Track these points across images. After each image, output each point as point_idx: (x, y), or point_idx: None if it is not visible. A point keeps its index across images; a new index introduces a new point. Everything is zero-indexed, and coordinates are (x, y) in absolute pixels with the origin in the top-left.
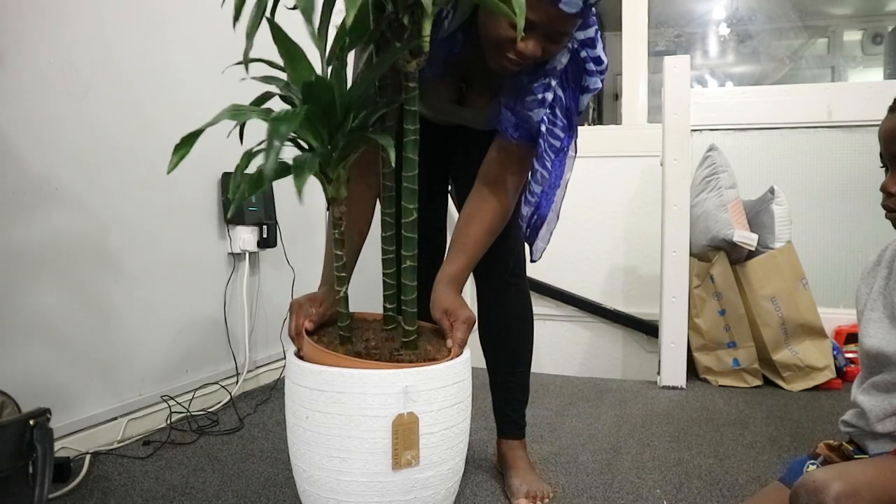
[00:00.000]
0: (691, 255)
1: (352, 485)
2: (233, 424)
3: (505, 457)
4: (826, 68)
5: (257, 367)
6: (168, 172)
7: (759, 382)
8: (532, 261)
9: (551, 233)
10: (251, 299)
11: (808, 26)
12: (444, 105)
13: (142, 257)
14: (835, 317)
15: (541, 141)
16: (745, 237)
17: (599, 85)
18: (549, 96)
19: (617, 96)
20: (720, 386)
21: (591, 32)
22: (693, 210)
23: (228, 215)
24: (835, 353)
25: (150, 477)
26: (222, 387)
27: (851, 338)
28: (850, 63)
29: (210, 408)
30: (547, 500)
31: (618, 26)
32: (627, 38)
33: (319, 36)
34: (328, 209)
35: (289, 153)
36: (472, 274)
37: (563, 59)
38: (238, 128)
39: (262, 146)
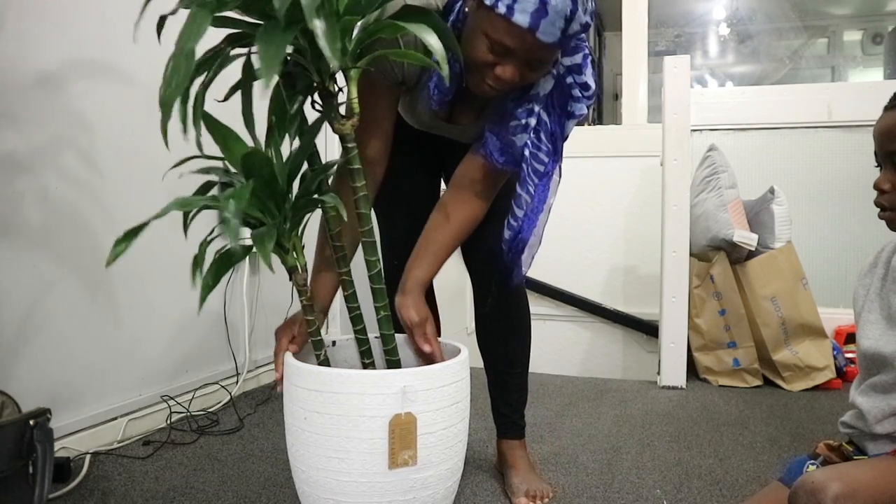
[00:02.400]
0: (691, 255)
1: (350, 485)
2: (233, 424)
3: (505, 457)
4: (826, 68)
5: (257, 367)
6: (106, 266)
7: (759, 382)
8: (512, 285)
9: (532, 257)
10: (251, 299)
11: (808, 26)
12: (432, 121)
13: (142, 257)
14: (835, 317)
15: (524, 165)
16: (745, 237)
17: (585, 111)
18: (533, 122)
19: (617, 96)
20: (720, 386)
21: (577, 59)
22: (693, 210)
23: (199, 311)
24: (835, 353)
25: (150, 477)
26: (222, 387)
27: (851, 338)
28: (850, 63)
29: (210, 408)
30: (547, 500)
31: (618, 26)
32: (627, 38)
33: (245, 118)
34: (290, 279)
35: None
36: (469, 277)
37: (547, 85)
38: (184, 221)
39: (216, 233)
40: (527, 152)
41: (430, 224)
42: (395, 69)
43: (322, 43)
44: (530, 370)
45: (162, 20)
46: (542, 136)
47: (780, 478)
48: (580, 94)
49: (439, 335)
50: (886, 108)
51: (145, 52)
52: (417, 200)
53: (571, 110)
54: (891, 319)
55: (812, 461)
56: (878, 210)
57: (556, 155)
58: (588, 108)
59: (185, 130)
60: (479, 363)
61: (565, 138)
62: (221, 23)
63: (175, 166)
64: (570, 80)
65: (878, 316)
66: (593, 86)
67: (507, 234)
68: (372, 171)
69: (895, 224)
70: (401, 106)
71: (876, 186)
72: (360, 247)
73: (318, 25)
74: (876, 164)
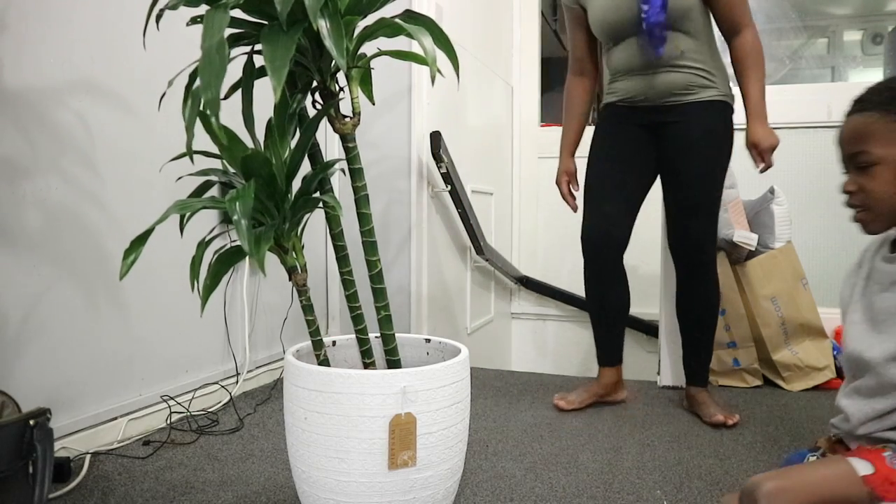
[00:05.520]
0: None
1: (350, 485)
2: (233, 424)
3: (694, 399)
4: (826, 68)
5: (257, 367)
6: (120, 278)
7: (759, 382)
8: (657, 56)
9: (664, 32)
10: (251, 299)
11: (808, 26)
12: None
13: (141, 257)
14: (835, 317)
15: None
16: (745, 237)
17: None
18: None
19: None
20: (720, 386)
21: None
22: None
23: (201, 312)
24: (835, 353)
25: (150, 477)
26: (222, 387)
27: None
28: (850, 63)
29: (210, 408)
30: (733, 421)
31: None
32: None
33: (245, 118)
34: (290, 279)
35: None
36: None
37: None
38: (180, 222)
39: (215, 233)
40: None
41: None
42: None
43: (328, 43)
44: (531, 370)
45: (161, 13)
46: None
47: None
48: None
49: None
50: (847, 114)
51: (146, 54)
52: (625, 190)
53: None
54: (873, 322)
55: (812, 453)
56: (852, 213)
57: None
58: None
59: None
60: (479, 363)
61: None
62: None
63: (173, 160)
64: None
65: (861, 317)
66: None
67: (644, 24)
68: (583, 67)
69: (868, 226)
70: (615, 62)
71: (843, 190)
72: (361, 248)
73: (323, 25)
74: (843, 171)
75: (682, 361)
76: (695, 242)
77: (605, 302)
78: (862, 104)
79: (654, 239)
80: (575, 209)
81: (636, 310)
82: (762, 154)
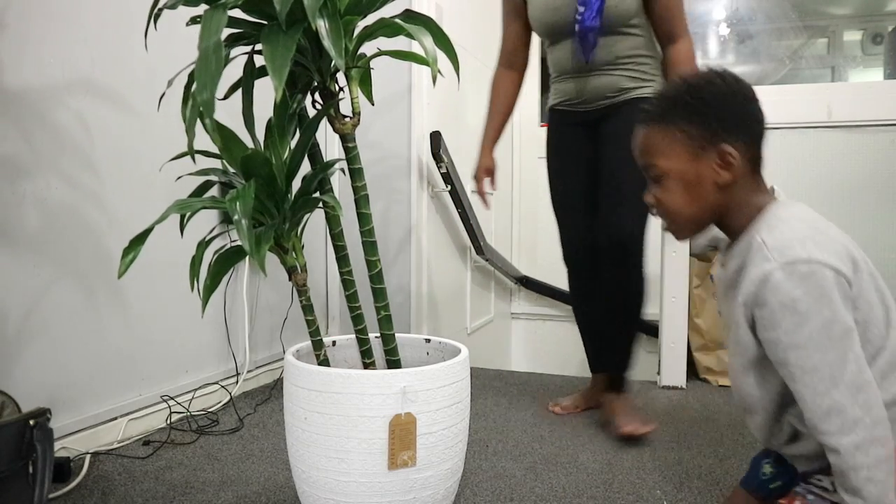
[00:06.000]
0: (691, 255)
1: (350, 485)
2: (233, 424)
3: (609, 406)
4: (826, 68)
5: (257, 367)
6: (119, 277)
7: None
8: (586, 60)
9: (595, 37)
10: (251, 299)
11: (808, 26)
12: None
13: (141, 257)
14: None
15: None
16: None
17: None
18: None
19: None
20: (720, 386)
21: None
22: None
23: (202, 313)
24: None
25: (150, 477)
26: (222, 387)
27: None
28: (850, 63)
29: (210, 408)
30: (646, 430)
31: None
32: None
33: (245, 117)
34: (290, 279)
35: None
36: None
37: None
38: (180, 221)
39: (215, 233)
40: None
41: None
42: None
43: (327, 43)
44: (530, 370)
45: (159, 12)
46: None
47: (742, 479)
48: None
49: None
50: (638, 123)
51: (146, 54)
52: (583, 197)
53: None
54: (746, 362)
55: (766, 459)
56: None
57: None
58: None
59: (198, 128)
60: (479, 363)
61: None
62: None
63: (174, 159)
64: None
65: (735, 352)
66: None
67: (577, 27)
68: (513, 60)
69: (676, 235)
70: (553, 62)
71: (646, 200)
72: (361, 248)
73: (322, 25)
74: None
75: (612, 358)
76: (620, 234)
77: (584, 317)
78: (644, 115)
79: (653, 239)
80: (488, 208)
81: None
82: None
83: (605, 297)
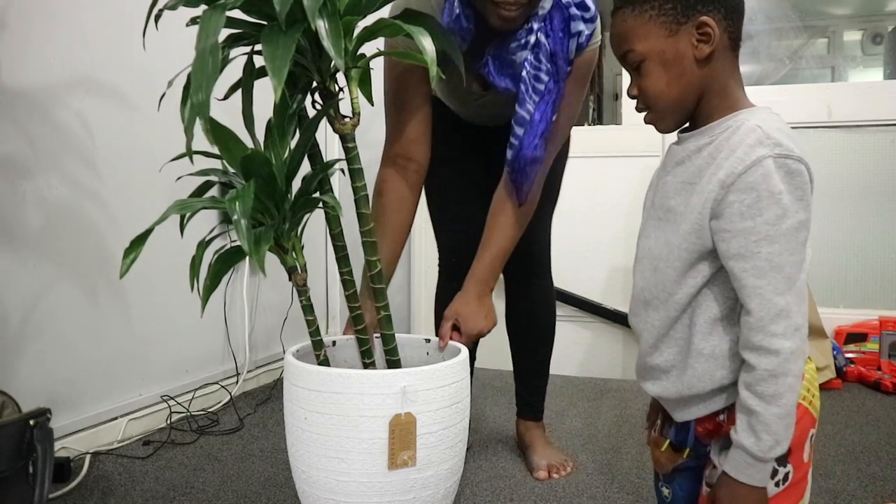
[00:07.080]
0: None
1: (350, 485)
2: (233, 424)
3: (523, 437)
4: (826, 68)
5: (257, 367)
6: (120, 277)
7: None
8: (519, 204)
9: (535, 173)
10: (251, 299)
11: (808, 26)
12: (469, 95)
13: (141, 257)
14: (835, 317)
15: (522, 86)
16: None
17: (587, 30)
18: (532, 39)
19: (617, 96)
20: None
21: None
22: None
23: (202, 313)
24: (835, 353)
25: (150, 477)
26: (222, 387)
27: (851, 338)
28: (850, 63)
29: (210, 408)
30: (565, 473)
31: None
32: None
33: (245, 118)
34: (290, 279)
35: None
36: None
37: (546, 4)
38: (180, 222)
39: (215, 233)
40: (525, 73)
41: (489, 221)
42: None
43: (326, 43)
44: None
45: (159, 13)
46: (542, 57)
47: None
48: (578, 14)
49: None
50: (612, 14)
51: (146, 54)
52: (469, 190)
53: (572, 30)
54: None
55: (659, 482)
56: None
57: (559, 75)
58: (591, 29)
59: (195, 130)
60: (479, 363)
61: (570, 61)
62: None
63: (173, 160)
64: (567, 0)
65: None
66: (592, 7)
67: (508, 154)
68: (414, 151)
69: (658, 125)
70: (440, 91)
71: (629, 96)
72: (360, 248)
73: (322, 26)
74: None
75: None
76: (530, 242)
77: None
78: (616, 3)
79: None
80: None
81: None
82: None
83: (516, 320)
